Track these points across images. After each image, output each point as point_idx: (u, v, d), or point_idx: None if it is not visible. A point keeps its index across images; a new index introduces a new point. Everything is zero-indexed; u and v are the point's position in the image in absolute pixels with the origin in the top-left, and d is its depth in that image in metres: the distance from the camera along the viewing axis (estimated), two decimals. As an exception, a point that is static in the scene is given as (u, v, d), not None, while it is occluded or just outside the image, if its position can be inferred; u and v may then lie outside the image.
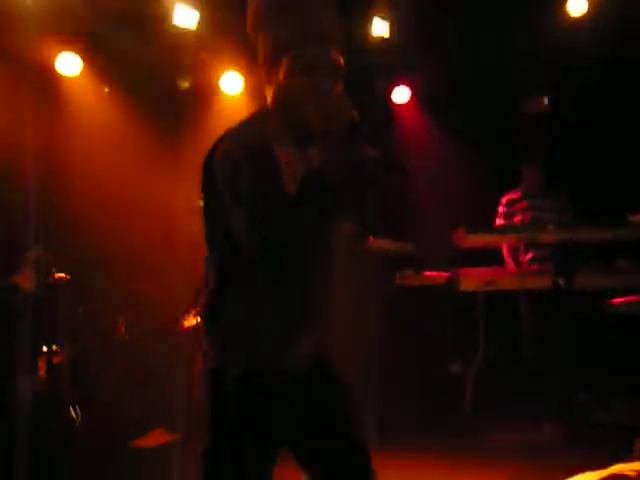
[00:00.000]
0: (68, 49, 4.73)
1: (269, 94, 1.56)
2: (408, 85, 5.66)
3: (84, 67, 4.86)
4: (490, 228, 4.55)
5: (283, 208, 1.39)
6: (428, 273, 4.57)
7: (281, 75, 1.51)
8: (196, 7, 4.56)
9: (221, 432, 1.46)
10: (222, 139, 1.50)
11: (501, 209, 4.92)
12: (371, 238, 4.72)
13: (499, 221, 4.89)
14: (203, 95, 5.35)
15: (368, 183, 1.52)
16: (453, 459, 3.67)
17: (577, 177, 5.01)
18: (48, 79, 4.82)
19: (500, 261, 4.76)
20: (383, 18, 5.00)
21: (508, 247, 4.76)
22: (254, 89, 5.18)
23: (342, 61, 1.55)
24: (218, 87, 5.28)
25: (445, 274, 4.53)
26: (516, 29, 4.84)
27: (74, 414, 4.16)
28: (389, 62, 5.36)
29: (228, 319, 1.48)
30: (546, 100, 5.52)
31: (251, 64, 4.72)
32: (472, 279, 4.35)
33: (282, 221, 1.39)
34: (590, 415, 4.05)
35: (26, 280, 4.53)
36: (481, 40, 4.96)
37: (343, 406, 1.60)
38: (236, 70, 5.19)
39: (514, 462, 3.49)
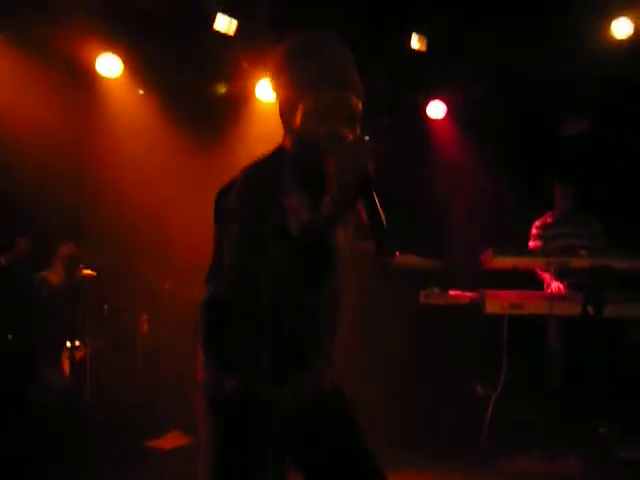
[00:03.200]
0: (109, 50, 4.81)
1: (287, 138, 1.56)
2: (444, 101, 5.62)
3: (124, 69, 4.95)
4: (519, 250, 4.46)
5: (284, 250, 1.38)
6: (454, 292, 4.50)
7: (298, 119, 1.51)
8: (235, 15, 4.61)
9: (215, 450, 1.49)
10: (239, 176, 1.51)
11: (534, 231, 4.83)
12: (397, 254, 4.70)
13: (532, 243, 4.80)
14: (238, 101, 5.39)
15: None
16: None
17: (611, 202, 4.90)
18: (88, 79, 4.92)
19: (528, 284, 4.66)
20: (421, 33, 4.97)
21: (541, 270, 4.66)
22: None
23: (360, 108, 1.53)
24: (253, 94, 5.31)
25: (471, 294, 4.45)
26: (558, 49, 4.77)
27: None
28: (426, 77, 5.33)
29: (226, 345, 1.50)
30: (584, 123, 5.41)
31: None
32: (498, 301, 4.26)
33: (282, 262, 1.38)
34: (611, 450, 3.93)
35: (56, 275, 4.62)
36: (521, 59, 4.89)
37: (348, 438, 1.60)
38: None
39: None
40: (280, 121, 1.58)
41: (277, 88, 1.57)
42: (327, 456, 1.58)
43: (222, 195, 1.53)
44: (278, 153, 1.57)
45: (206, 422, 1.51)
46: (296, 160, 1.53)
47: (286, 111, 1.54)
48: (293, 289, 1.43)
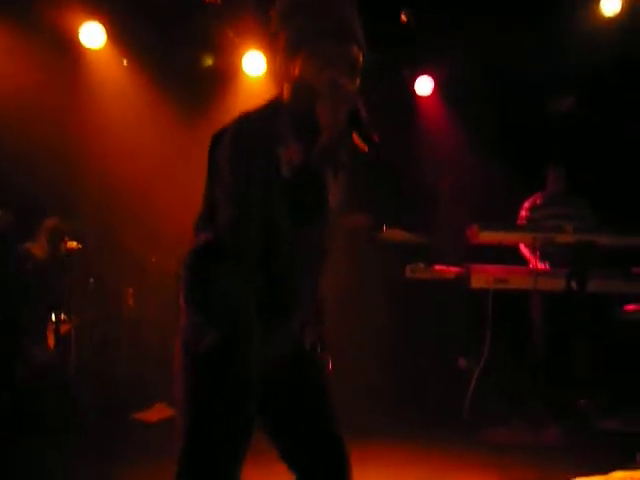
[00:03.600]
0: (92, 19, 4.72)
1: (286, 89, 1.56)
2: (432, 77, 5.59)
3: (107, 39, 4.86)
4: (504, 226, 4.49)
5: (273, 196, 1.42)
6: (439, 267, 4.53)
7: (297, 69, 1.51)
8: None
9: (192, 401, 1.50)
10: (233, 123, 1.51)
11: (523, 213, 4.84)
12: (384, 228, 4.72)
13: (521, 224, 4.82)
14: (225, 74, 5.33)
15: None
16: (448, 455, 3.63)
17: (600, 181, 4.93)
18: (72, 49, 4.83)
19: (514, 259, 4.70)
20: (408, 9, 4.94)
21: (526, 246, 4.68)
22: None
23: (360, 59, 1.54)
24: (240, 67, 5.25)
25: (456, 269, 4.48)
26: (547, 27, 4.76)
27: None
28: (414, 52, 5.30)
29: (209, 294, 1.50)
30: (572, 100, 5.41)
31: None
32: (483, 276, 4.30)
33: (270, 210, 1.43)
34: (591, 420, 4.01)
35: (39, 248, 4.57)
36: (510, 36, 4.87)
37: (317, 398, 1.62)
38: (259, 50, 5.16)
39: (511, 462, 3.45)
40: (277, 75, 1.58)
41: (277, 39, 1.56)
42: (290, 410, 1.60)
43: (215, 141, 1.53)
44: (273, 103, 1.57)
45: (185, 372, 1.52)
46: (292, 108, 1.53)
47: (286, 61, 1.54)
48: (281, 235, 1.45)
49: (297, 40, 1.51)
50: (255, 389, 1.47)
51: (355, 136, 1.43)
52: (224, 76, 5.32)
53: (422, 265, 4.47)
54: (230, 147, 1.46)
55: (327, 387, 1.64)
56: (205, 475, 1.47)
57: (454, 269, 4.48)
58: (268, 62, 5.19)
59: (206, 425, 1.48)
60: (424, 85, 5.62)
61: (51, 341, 4.43)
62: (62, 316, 4.40)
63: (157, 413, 4.24)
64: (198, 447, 1.47)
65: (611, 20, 4.78)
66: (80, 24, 4.74)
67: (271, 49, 1.63)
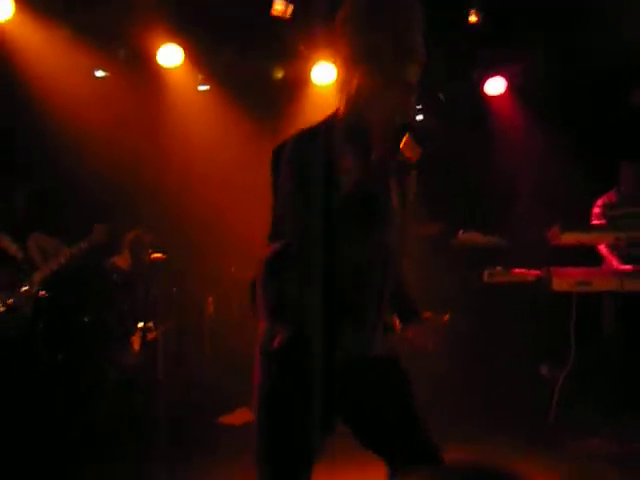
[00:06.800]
0: (171, 41, 4.91)
1: (342, 99, 1.60)
2: (504, 76, 5.47)
3: (185, 57, 5.04)
4: (587, 226, 4.32)
5: (336, 206, 1.48)
6: (518, 270, 4.41)
7: (356, 82, 1.55)
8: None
9: (266, 398, 1.59)
10: (292, 138, 1.59)
11: (597, 210, 4.62)
12: (460, 232, 4.65)
13: (597, 222, 4.62)
14: (295, 85, 5.42)
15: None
16: (533, 465, 3.50)
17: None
18: (150, 68, 5.04)
19: (594, 261, 4.52)
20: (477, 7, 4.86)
21: (608, 246, 4.48)
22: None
23: (417, 76, 1.57)
24: (310, 77, 5.32)
25: (536, 272, 4.35)
26: (619, 18, 4.56)
27: None
28: (485, 52, 5.21)
29: (280, 297, 1.59)
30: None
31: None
32: (565, 278, 4.15)
33: (332, 215, 1.48)
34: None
35: (124, 260, 4.81)
36: (583, 30, 4.70)
37: (399, 402, 1.66)
38: (328, 61, 5.21)
39: (599, 475, 3.33)
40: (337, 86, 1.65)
41: (339, 48, 1.60)
42: (375, 416, 1.64)
43: (278, 150, 1.61)
44: (330, 119, 1.62)
45: (260, 371, 1.60)
46: (348, 123, 1.58)
47: (346, 71, 1.59)
48: (341, 242, 1.51)
49: (357, 54, 1.55)
50: (321, 388, 1.53)
51: (405, 145, 1.47)
52: (294, 86, 5.42)
53: (500, 269, 4.36)
54: (289, 162, 1.54)
55: (407, 381, 1.69)
56: (278, 469, 1.55)
57: (534, 272, 4.35)
58: (337, 71, 5.22)
59: (279, 420, 1.56)
60: (496, 85, 5.50)
61: (137, 347, 4.64)
62: (149, 324, 4.60)
63: (241, 417, 4.35)
64: (272, 442, 1.56)
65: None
66: (159, 45, 4.93)
67: (335, 55, 1.67)
